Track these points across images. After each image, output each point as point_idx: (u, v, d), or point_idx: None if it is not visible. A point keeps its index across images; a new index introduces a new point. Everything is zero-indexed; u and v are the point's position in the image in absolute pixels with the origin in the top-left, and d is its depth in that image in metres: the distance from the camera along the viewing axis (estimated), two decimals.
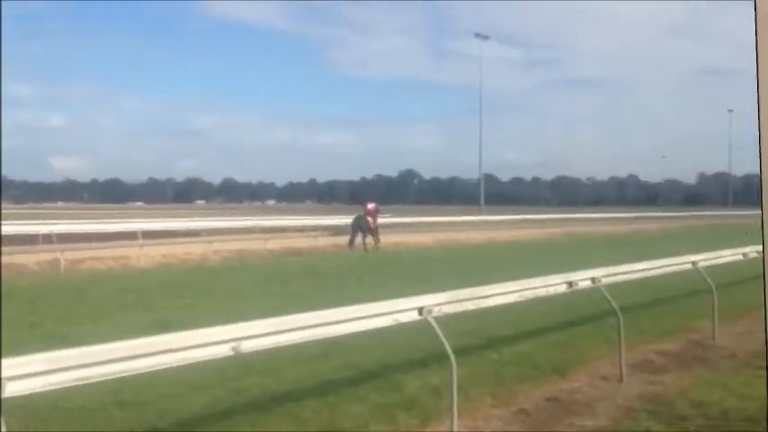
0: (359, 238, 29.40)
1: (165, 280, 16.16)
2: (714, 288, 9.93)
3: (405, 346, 8.20)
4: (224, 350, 4.30)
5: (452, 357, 5.49)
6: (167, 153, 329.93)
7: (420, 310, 5.47)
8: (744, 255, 12.24)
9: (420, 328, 5.89)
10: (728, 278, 13.85)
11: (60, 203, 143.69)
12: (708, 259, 10.84)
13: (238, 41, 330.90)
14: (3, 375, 3.42)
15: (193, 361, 4.23)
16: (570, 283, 7.41)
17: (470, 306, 6.03)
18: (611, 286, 8.38)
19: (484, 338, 9.22)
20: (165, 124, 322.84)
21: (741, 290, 14.00)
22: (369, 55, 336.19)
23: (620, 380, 7.62)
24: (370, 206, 31.13)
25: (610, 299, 7.72)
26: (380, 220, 32.42)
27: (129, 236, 28.30)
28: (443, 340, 5.46)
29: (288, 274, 17.24)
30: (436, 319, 5.73)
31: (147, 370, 4.13)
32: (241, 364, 6.78)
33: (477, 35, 64.58)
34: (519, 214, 60.62)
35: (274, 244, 29.91)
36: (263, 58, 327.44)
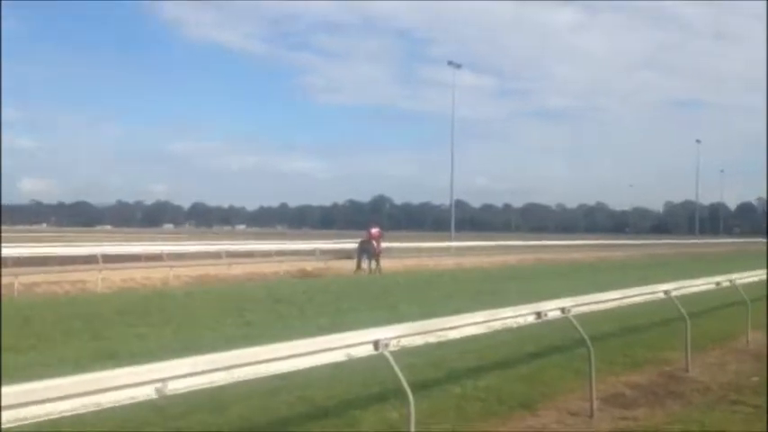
0: (365, 263, 30.14)
1: (121, 306, 15.47)
2: (687, 318, 9.57)
3: (363, 379, 7.72)
4: (147, 391, 3.80)
5: (410, 393, 5.03)
6: (138, 177, 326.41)
7: (376, 344, 5.01)
8: (716, 284, 11.95)
9: (379, 361, 5.43)
10: (700, 307, 13.61)
11: (22, 226, 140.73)
12: (680, 288, 10.49)
13: (211, 65, 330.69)
14: None
15: (113, 404, 3.72)
16: (539, 314, 7.00)
17: (432, 338, 5.58)
18: (581, 315, 8.01)
19: (446, 370, 8.77)
20: (138, 148, 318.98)
21: (713, 319, 13.78)
22: (342, 81, 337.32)
23: (591, 415, 7.20)
24: (374, 231, 31.76)
25: (580, 329, 7.32)
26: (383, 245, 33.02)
27: (90, 259, 27.50)
28: (400, 375, 5.00)
29: (246, 302, 16.65)
30: (398, 351, 5.30)
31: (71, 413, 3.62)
32: (184, 402, 6.24)
33: (450, 63, 64.40)
34: (489, 240, 60.42)
35: (239, 269, 29.31)
36: (235, 82, 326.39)
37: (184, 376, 3.96)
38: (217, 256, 34.00)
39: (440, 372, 8.66)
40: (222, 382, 4.25)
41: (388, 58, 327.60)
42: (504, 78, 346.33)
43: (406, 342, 5.31)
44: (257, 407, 6.93)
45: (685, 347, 9.59)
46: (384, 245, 34.56)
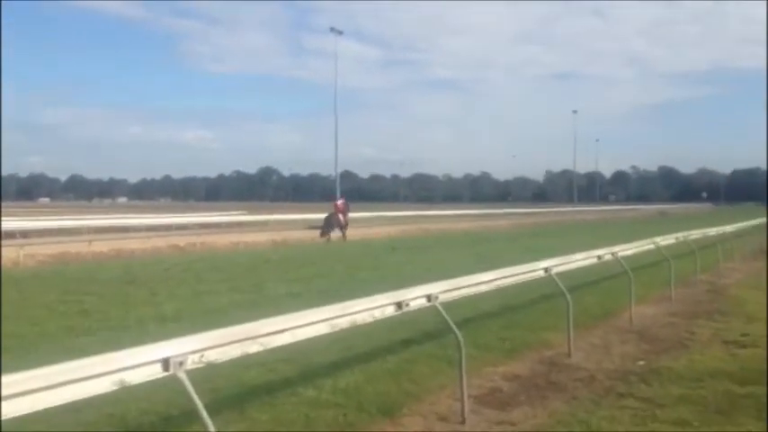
0: (330, 232, 33.32)
1: None
2: (569, 298, 8.68)
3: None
4: None
5: (206, 416, 3.74)
6: (11, 148, 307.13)
7: (165, 363, 3.66)
8: (598, 257, 11.21)
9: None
10: (581, 281, 12.94)
11: None
12: (560, 264, 9.61)
13: (87, 29, 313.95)
14: None
15: None
16: (399, 304, 5.82)
17: (253, 348, 4.27)
18: (453, 300, 6.93)
19: (302, 367, 7.53)
20: (9, 118, 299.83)
21: (595, 294, 13.16)
22: (227, 49, 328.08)
23: (462, 421, 6.13)
24: (340, 202, 35.04)
25: (447, 318, 6.21)
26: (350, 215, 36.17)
27: None
28: (195, 398, 3.69)
29: (97, 283, 14.87)
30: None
31: None
32: None
33: (332, 29, 62.68)
34: (376, 211, 59.57)
35: (104, 246, 27.08)
36: (114, 47, 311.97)
37: None
38: (78, 232, 31.57)
39: (296, 369, 7.41)
40: None
41: (273, 27, 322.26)
42: (392, 49, 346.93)
43: (214, 355, 3.99)
44: None
45: (567, 329, 8.72)
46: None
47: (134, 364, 3.55)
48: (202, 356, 3.88)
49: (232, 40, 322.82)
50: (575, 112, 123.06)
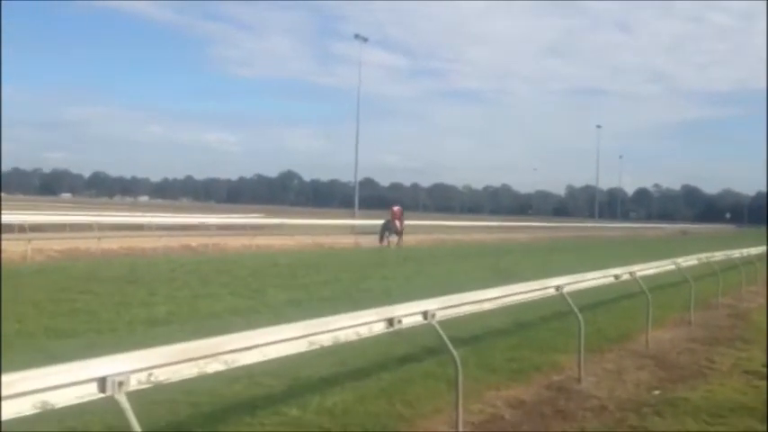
0: (389, 238, 34.71)
1: None
2: (581, 318, 8.11)
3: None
4: None
5: None
6: (35, 144, 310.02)
7: (101, 383, 3.18)
8: (615, 277, 10.62)
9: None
10: (595, 301, 12.36)
11: None
12: (573, 282, 9.05)
13: (115, 30, 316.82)
14: None
15: None
16: (391, 321, 5.29)
17: (213, 367, 3.77)
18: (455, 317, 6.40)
19: (290, 382, 7.03)
20: (36, 115, 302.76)
21: (610, 315, 12.55)
22: (253, 53, 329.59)
23: None
24: (396, 209, 36.08)
25: (445, 339, 5.68)
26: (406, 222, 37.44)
27: None
28: (134, 424, 3.19)
29: (97, 281, 14.49)
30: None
31: None
32: None
33: (357, 36, 62.16)
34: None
35: (114, 243, 26.81)
36: (142, 48, 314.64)
37: None
38: (94, 228, 31.31)
39: (283, 384, 6.90)
40: None
41: (300, 33, 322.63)
42: (417, 58, 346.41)
43: (165, 374, 3.49)
44: None
45: (578, 352, 8.15)
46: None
47: (63, 383, 3.06)
48: (150, 376, 3.38)
49: (259, 45, 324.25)
50: (599, 126, 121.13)
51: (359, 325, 4.94)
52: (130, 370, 3.28)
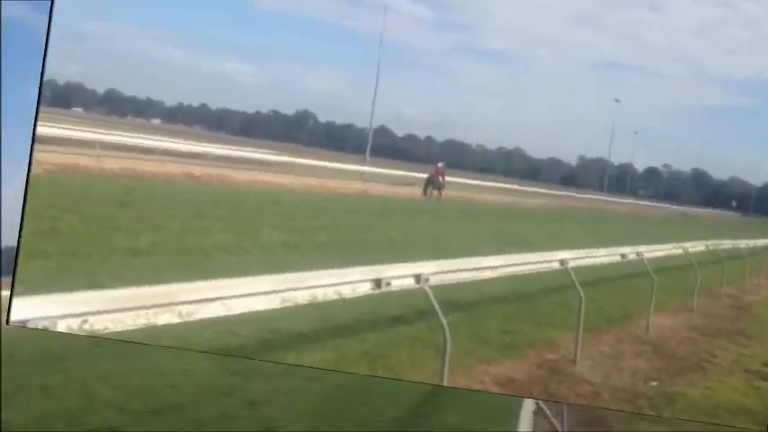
0: (432, 191, 34.16)
1: None
2: (582, 295, 7.64)
3: None
4: None
5: None
6: (51, 55, 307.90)
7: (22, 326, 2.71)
8: (622, 256, 10.12)
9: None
10: (597, 277, 11.88)
11: None
12: (579, 258, 8.55)
13: None
14: None
15: None
16: (378, 282, 4.82)
17: (165, 318, 3.29)
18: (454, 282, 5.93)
19: (269, 335, 6.60)
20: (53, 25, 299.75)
21: (612, 294, 12.06)
22: None
23: None
24: (440, 165, 35.09)
25: (436, 307, 5.21)
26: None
27: None
28: None
29: (87, 201, 14.06)
30: None
31: None
32: None
33: None
34: (407, 171, 58.24)
35: (114, 163, 26.26)
36: None
37: None
38: (95, 146, 30.73)
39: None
40: None
41: None
42: (443, 11, 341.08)
43: (104, 323, 3.02)
44: None
45: (576, 330, 7.70)
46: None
47: None
48: (84, 323, 2.91)
49: None
50: (617, 101, 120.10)
51: (342, 284, 4.46)
52: (60, 315, 2.80)
